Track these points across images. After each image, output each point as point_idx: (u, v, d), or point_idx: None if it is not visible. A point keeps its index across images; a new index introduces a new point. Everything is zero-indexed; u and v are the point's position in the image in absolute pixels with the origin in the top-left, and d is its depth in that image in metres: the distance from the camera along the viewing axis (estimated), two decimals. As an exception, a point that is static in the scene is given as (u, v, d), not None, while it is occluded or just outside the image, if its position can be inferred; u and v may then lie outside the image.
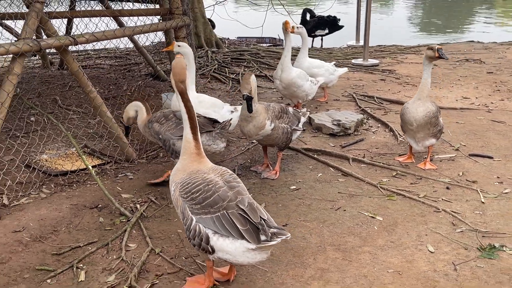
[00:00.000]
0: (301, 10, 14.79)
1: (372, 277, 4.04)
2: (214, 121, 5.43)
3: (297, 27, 8.33)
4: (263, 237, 3.49)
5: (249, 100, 5.19)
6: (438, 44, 5.71)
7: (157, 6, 7.60)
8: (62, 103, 8.56)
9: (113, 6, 9.62)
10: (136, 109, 5.66)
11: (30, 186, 5.59)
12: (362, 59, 11.57)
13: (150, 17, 7.62)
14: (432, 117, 5.74)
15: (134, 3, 9.07)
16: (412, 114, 5.78)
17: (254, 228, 3.51)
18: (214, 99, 6.33)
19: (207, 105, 6.08)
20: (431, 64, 5.80)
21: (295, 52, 9.12)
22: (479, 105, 8.25)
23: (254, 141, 6.38)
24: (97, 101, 5.92)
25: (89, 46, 10.53)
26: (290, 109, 5.95)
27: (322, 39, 14.39)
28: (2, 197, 5.31)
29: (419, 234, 4.60)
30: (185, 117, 3.93)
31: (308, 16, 14.36)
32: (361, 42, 12.73)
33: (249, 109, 5.25)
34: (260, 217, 3.57)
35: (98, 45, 7.93)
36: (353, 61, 11.62)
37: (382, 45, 14.13)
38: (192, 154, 3.95)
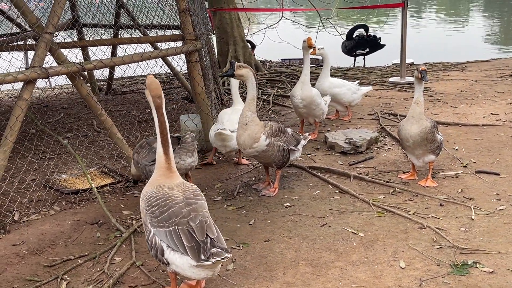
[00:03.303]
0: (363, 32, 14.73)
1: (335, 291, 4.09)
2: (179, 138, 5.59)
3: (319, 48, 8.46)
4: (202, 256, 3.59)
5: (232, 64, 5.54)
6: (423, 65, 5.68)
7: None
8: (98, 126, 9.05)
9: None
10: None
11: (42, 204, 6.00)
12: (399, 77, 11.48)
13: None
14: (427, 133, 5.71)
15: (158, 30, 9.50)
16: (407, 131, 5.78)
17: (199, 246, 3.63)
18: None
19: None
20: (420, 83, 5.77)
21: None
22: (505, 121, 8.02)
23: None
24: (107, 123, 6.28)
25: (129, 72, 11.02)
26: (289, 129, 6.10)
27: (364, 58, 14.35)
28: (14, 214, 5.73)
29: (396, 250, 4.60)
30: (157, 131, 4.14)
31: (361, 32, 14.35)
32: (407, 60, 12.62)
33: (230, 72, 5.57)
34: (208, 235, 3.69)
35: (140, 72, 8.34)
36: (390, 79, 11.56)
37: (428, 63, 13.94)
38: (162, 168, 4.14)
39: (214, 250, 3.62)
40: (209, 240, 3.68)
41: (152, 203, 3.95)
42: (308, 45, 7.88)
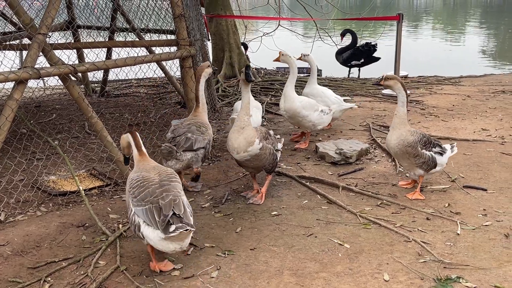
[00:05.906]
0: (350, 39, 14.72)
1: (318, 302, 4.08)
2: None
3: (304, 55, 8.52)
4: (171, 228, 4.09)
5: (247, 68, 5.55)
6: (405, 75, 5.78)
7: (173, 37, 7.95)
8: (89, 128, 9.02)
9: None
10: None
11: (29, 205, 5.97)
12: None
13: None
14: (406, 146, 5.75)
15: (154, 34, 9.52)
16: (387, 142, 5.94)
17: (165, 219, 4.14)
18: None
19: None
20: (401, 93, 5.82)
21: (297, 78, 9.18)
22: (495, 137, 8.06)
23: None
24: (98, 126, 6.27)
25: (122, 75, 11.01)
26: (271, 132, 6.15)
27: (359, 70, 14.40)
28: (0, 214, 5.70)
29: (380, 263, 4.60)
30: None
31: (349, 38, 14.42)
32: (401, 73, 12.67)
33: (248, 77, 5.56)
34: (174, 211, 4.18)
35: (140, 74, 8.32)
36: (383, 91, 11.59)
37: (422, 76, 14.00)
38: (135, 157, 4.84)
39: (179, 224, 4.11)
40: (174, 216, 4.17)
41: (133, 184, 4.47)
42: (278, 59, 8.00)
